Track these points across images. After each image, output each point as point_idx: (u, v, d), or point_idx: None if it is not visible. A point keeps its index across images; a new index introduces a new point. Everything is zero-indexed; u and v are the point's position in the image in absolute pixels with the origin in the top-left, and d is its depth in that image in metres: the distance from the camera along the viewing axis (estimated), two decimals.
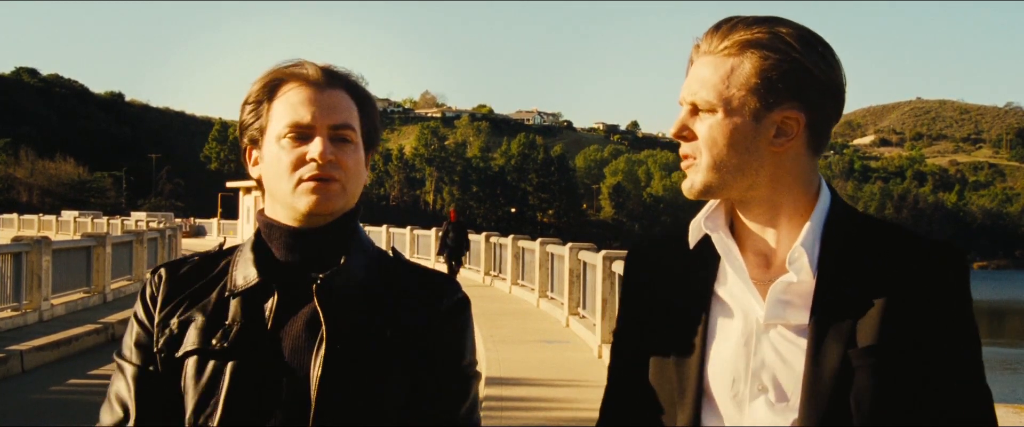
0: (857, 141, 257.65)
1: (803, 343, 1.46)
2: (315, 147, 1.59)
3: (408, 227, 32.01)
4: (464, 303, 1.69)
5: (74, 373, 10.39)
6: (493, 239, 23.91)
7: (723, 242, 1.55)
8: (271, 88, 1.65)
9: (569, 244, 15.83)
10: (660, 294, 1.60)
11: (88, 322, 13.43)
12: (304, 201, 1.60)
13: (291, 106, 1.61)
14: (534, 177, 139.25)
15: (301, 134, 1.60)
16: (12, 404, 8.70)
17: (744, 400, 1.49)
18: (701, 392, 1.52)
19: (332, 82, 1.64)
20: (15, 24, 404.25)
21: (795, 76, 1.46)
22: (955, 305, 1.46)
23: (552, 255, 17.39)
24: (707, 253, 1.57)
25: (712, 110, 1.49)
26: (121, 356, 1.67)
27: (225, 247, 1.74)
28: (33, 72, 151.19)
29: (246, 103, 1.67)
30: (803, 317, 1.48)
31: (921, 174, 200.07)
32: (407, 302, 1.65)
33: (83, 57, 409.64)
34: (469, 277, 23.75)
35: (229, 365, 1.58)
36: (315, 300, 1.60)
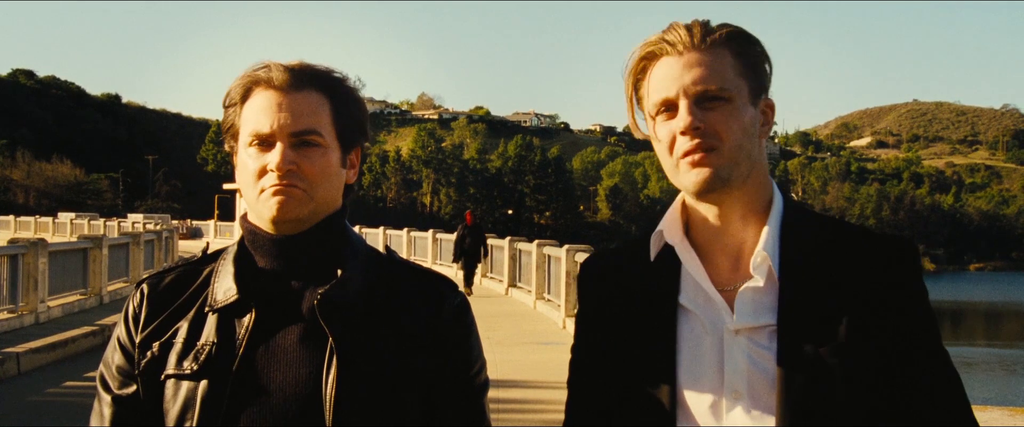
0: (854, 143, 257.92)
1: (773, 346, 1.46)
2: (273, 157, 1.56)
3: (405, 229, 31.89)
4: (465, 307, 1.67)
5: (70, 375, 10.35)
6: (490, 241, 23.90)
7: (685, 253, 1.55)
8: (243, 92, 1.62)
9: (566, 246, 15.85)
10: (622, 307, 1.57)
11: (84, 324, 13.37)
12: (266, 209, 1.58)
13: (254, 114, 1.59)
14: (531, 179, 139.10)
15: (263, 142, 1.58)
16: (9, 406, 8.69)
17: (722, 409, 1.48)
18: (676, 404, 1.50)
19: (300, 84, 1.59)
20: (12, 26, 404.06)
21: (765, 67, 1.54)
22: (912, 296, 1.49)
23: (549, 257, 17.37)
24: (667, 264, 1.56)
25: (727, 99, 1.48)
26: (103, 382, 1.64)
27: (209, 252, 1.70)
28: (30, 74, 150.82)
29: (226, 106, 1.64)
30: (771, 320, 1.47)
31: (918, 176, 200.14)
32: (409, 309, 1.61)
33: (80, 59, 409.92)
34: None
35: (201, 387, 1.53)
36: (319, 318, 1.55)
